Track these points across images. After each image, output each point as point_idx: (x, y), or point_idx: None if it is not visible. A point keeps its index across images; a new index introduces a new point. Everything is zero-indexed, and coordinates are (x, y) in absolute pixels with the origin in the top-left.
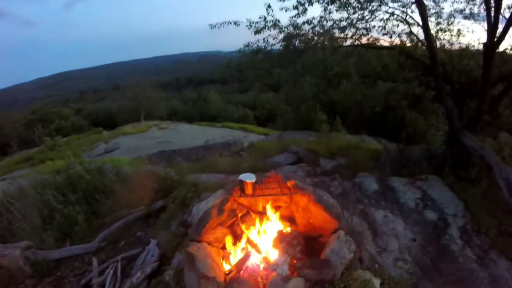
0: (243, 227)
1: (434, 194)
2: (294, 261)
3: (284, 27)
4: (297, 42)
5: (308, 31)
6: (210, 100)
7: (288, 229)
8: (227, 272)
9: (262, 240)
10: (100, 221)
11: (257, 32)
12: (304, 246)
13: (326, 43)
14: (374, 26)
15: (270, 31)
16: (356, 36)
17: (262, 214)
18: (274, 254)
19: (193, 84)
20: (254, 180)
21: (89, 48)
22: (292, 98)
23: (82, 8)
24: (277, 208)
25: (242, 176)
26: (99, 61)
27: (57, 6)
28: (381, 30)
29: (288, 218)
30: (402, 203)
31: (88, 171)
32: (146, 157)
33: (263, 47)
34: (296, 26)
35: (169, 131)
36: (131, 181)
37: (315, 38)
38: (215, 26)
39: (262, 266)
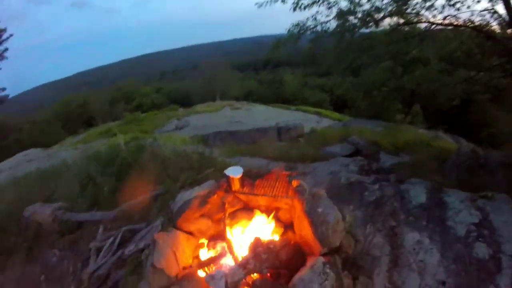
0: (227, 222)
1: (496, 221)
2: (252, 277)
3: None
4: (354, 20)
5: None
6: (285, 82)
7: (276, 237)
8: (185, 267)
9: (244, 241)
10: (126, 194)
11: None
12: (282, 262)
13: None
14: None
15: (319, 6)
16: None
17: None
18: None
19: (270, 66)
20: (239, 176)
21: (169, 31)
22: (363, 83)
23: None
24: (277, 209)
25: (228, 171)
26: (178, 43)
27: None
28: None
29: (289, 223)
30: (449, 227)
31: (130, 147)
32: (202, 136)
33: (312, 27)
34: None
35: (242, 111)
36: (164, 159)
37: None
38: (261, 5)
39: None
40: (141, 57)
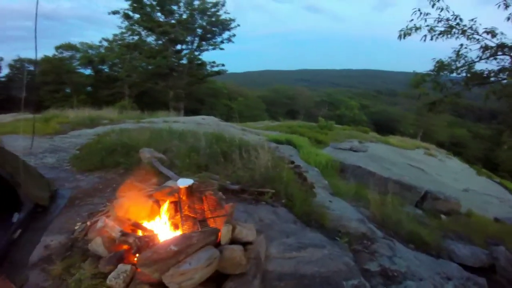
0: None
1: None
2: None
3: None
4: None
5: None
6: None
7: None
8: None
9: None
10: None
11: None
12: None
13: None
14: None
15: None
16: None
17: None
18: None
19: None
20: (185, 186)
21: (392, 51)
22: None
23: (392, 12)
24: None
25: (180, 181)
26: (400, 65)
27: (367, 7)
28: None
29: None
30: None
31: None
32: (341, 164)
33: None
34: None
35: (433, 160)
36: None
37: None
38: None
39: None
40: (362, 71)
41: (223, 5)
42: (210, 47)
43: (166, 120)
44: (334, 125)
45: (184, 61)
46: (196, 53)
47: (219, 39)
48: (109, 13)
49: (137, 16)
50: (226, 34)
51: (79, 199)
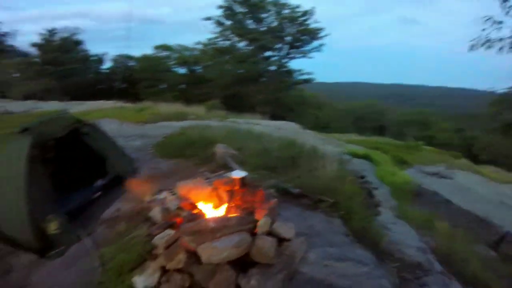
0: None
1: None
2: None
3: None
4: None
5: None
6: None
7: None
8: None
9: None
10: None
11: None
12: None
13: None
14: None
15: None
16: None
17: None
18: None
19: None
20: (238, 177)
21: (495, 69)
22: None
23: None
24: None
25: (234, 172)
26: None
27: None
28: None
29: None
30: None
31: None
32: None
33: None
34: None
35: None
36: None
37: None
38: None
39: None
40: (460, 89)
41: (312, 14)
42: (299, 55)
43: (248, 122)
44: (423, 147)
45: (273, 68)
46: (285, 60)
47: (308, 47)
48: (202, 20)
49: (229, 22)
50: (315, 43)
51: (155, 178)
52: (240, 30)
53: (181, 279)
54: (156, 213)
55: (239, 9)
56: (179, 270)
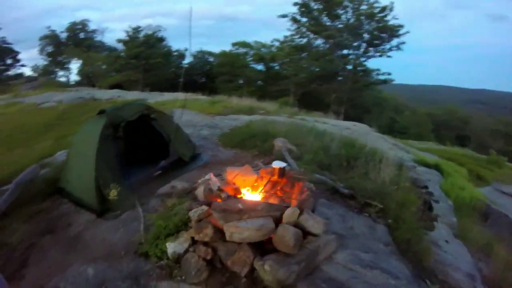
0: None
1: None
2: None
3: None
4: None
5: None
6: None
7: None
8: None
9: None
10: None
11: None
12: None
13: None
14: None
15: None
16: None
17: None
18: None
19: None
20: (278, 166)
21: None
22: None
23: None
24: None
25: (275, 162)
26: None
27: None
28: None
29: None
30: None
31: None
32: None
33: None
34: None
35: None
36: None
37: None
38: None
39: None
40: None
41: (391, 10)
42: (377, 54)
43: (317, 120)
44: (506, 163)
45: (349, 66)
46: (362, 59)
47: (387, 46)
48: (278, 17)
49: (304, 19)
50: (394, 41)
51: (213, 164)
52: (316, 27)
53: (205, 251)
54: (200, 192)
55: (314, 5)
56: (205, 243)
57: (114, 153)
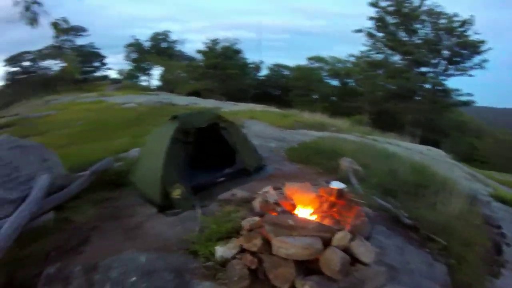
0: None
1: None
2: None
3: None
4: None
5: None
6: None
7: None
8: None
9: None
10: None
11: None
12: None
13: None
14: None
15: None
16: None
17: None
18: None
19: None
20: (337, 187)
21: None
22: None
23: None
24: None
25: (333, 183)
26: None
27: None
28: None
29: None
30: None
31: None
32: None
33: None
34: None
35: None
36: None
37: None
38: None
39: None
40: None
41: (471, 24)
42: (458, 73)
43: (389, 142)
44: None
45: (428, 85)
46: (442, 77)
47: (468, 63)
48: (352, 32)
49: (380, 34)
50: (476, 59)
51: (275, 177)
52: (392, 42)
53: (250, 261)
54: (256, 203)
55: (391, 20)
56: (252, 253)
57: (182, 156)
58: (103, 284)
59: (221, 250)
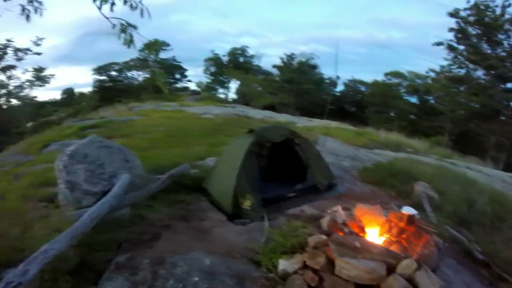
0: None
1: None
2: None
3: None
4: None
5: None
6: None
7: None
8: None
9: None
10: None
11: None
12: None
13: None
14: None
15: None
16: None
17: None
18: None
19: None
20: (407, 213)
21: None
22: None
23: None
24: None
25: (405, 208)
26: None
27: None
28: None
29: None
30: None
31: None
32: None
33: None
34: None
35: None
36: None
37: None
38: None
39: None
40: None
41: None
42: None
43: (469, 167)
44: None
45: None
46: None
47: None
48: (432, 45)
49: (462, 47)
50: None
51: (346, 197)
52: (474, 55)
53: (311, 278)
54: (324, 221)
55: (472, 31)
56: (314, 270)
57: (256, 168)
58: (167, 279)
59: (284, 264)
